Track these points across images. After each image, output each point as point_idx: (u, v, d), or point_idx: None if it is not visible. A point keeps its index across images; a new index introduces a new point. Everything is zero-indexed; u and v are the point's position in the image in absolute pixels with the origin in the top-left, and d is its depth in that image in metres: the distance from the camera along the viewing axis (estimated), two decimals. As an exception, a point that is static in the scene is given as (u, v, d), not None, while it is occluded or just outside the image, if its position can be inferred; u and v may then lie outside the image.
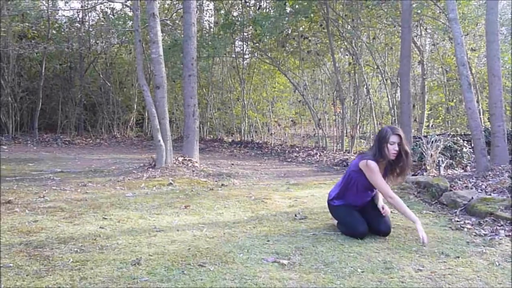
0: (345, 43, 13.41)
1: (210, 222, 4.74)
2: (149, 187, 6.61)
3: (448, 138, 7.93)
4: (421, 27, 13.43)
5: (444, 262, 3.60)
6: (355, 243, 4.01)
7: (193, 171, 7.88)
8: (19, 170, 7.98)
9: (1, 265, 3.35)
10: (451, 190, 5.81)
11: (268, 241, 4.03)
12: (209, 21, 15.76)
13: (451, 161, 7.59)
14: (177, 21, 14.50)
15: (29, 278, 3.10)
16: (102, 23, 15.10)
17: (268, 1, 14.44)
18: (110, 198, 5.85)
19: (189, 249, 3.76)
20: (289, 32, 13.66)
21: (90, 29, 15.43)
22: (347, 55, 14.45)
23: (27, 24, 13.20)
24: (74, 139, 13.91)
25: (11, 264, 3.36)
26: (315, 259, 3.59)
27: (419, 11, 11.98)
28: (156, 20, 7.66)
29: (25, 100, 14.43)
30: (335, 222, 4.54)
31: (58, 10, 15.06)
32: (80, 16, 15.52)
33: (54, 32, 14.83)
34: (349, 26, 13.03)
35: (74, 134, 15.01)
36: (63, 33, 15.16)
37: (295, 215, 4.99)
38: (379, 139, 4.28)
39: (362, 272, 3.33)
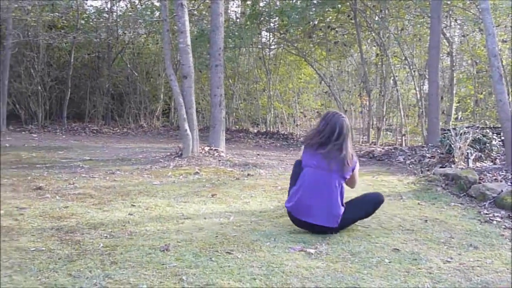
0: (373, 34, 13.28)
1: (236, 210, 4.77)
2: (176, 175, 6.67)
3: (477, 131, 7.82)
4: (451, 18, 13.23)
5: (473, 254, 3.57)
6: (382, 234, 4.01)
7: (219, 160, 7.91)
8: (49, 158, 8.12)
9: (1, 263, 3.42)
10: (480, 183, 5.74)
11: (295, 230, 4.04)
12: (235, 11, 15.77)
13: (480, 153, 7.49)
14: (203, 12, 14.53)
15: (61, 262, 3.17)
16: (130, 13, 15.20)
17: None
18: (138, 186, 5.92)
19: (217, 236, 3.80)
20: (316, 23, 13.58)
21: (118, 19, 15.54)
22: (374, 46, 14.33)
23: (57, 14, 13.35)
24: (102, 128, 14.07)
25: (43, 248, 3.44)
26: (342, 248, 3.60)
27: (449, 2, 11.81)
28: (184, 9, 7.68)
29: (54, 89, 14.63)
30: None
31: (87, 0, 15.20)
32: (108, 6, 15.64)
33: (82, 22, 14.98)
34: (377, 17, 12.90)
35: (102, 123, 15.18)
36: (91, 23, 15.30)
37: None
38: None
39: (389, 262, 3.33)
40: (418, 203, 5.28)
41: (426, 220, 4.51)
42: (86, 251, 3.39)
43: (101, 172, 6.80)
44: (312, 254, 3.45)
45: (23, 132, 12.40)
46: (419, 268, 3.23)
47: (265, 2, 14.05)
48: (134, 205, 4.84)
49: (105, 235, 3.80)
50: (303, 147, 4.19)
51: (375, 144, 12.43)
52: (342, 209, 3.95)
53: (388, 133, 14.56)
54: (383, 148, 10.88)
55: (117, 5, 15.79)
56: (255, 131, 14.91)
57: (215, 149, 8.41)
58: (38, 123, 13.76)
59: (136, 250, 3.44)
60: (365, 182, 6.60)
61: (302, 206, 3.94)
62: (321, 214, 3.90)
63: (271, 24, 14.13)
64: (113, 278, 2.90)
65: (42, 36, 12.94)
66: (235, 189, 5.86)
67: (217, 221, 4.30)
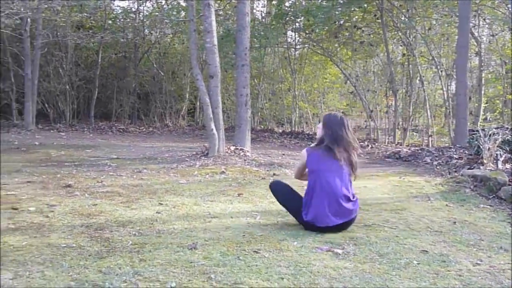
0: (399, 34, 13.16)
1: (263, 210, 4.78)
2: (202, 174, 6.71)
3: (507, 132, 7.69)
4: (479, 17, 13.03)
5: (504, 256, 3.52)
6: (410, 235, 3.97)
7: (244, 160, 7.94)
8: (77, 156, 8.25)
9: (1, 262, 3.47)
10: (510, 185, 5.65)
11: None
12: (261, 11, 15.78)
13: (509, 155, 7.37)
14: (229, 11, 14.57)
15: (91, 258, 3.21)
16: (157, 13, 15.34)
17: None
18: (164, 184, 5.98)
19: (244, 235, 3.81)
20: (342, 22, 13.51)
21: (145, 20, 15.69)
22: (401, 46, 14.19)
23: (85, 14, 13.55)
24: (128, 127, 14.23)
25: (74, 245, 3.49)
26: (369, 249, 3.58)
27: (477, 1, 11.63)
28: (211, 9, 7.73)
29: (82, 88, 14.85)
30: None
31: (114, 0, 15.38)
32: (135, 6, 15.80)
33: (109, 22, 15.18)
34: (404, 17, 12.78)
35: (128, 122, 15.35)
36: (118, 24, 15.49)
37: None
38: None
39: (418, 264, 3.30)
40: (446, 205, 5.22)
41: (454, 222, 4.46)
42: (115, 248, 3.44)
43: (128, 171, 6.87)
44: (339, 254, 3.44)
45: (51, 131, 12.60)
46: (448, 270, 3.19)
47: (290, 2, 14.03)
48: (161, 204, 4.89)
49: (133, 232, 3.84)
50: (305, 153, 4.16)
51: (401, 145, 12.31)
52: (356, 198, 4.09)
53: (414, 133, 14.40)
54: (409, 149, 10.77)
55: (144, 5, 15.94)
56: (280, 131, 14.91)
57: (240, 149, 8.44)
58: (66, 122, 13.98)
59: (164, 248, 3.47)
60: (391, 183, 6.56)
61: (322, 212, 3.93)
62: (345, 210, 3.95)
63: (297, 24, 14.10)
64: (142, 275, 2.93)
65: (70, 36, 13.14)
66: (261, 188, 5.87)
67: (244, 220, 4.32)
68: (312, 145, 4.34)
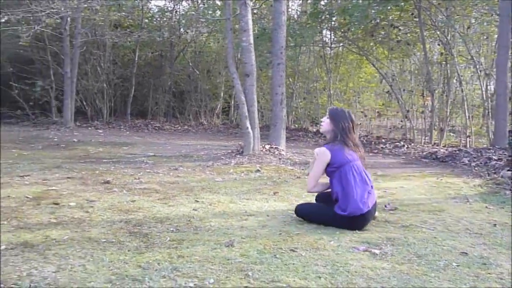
0: (437, 33, 12.94)
1: (299, 209, 4.77)
2: (237, 173, 6.75)
3: (549, 133, 7.50)
4: (521, 16, 12.69)
5: (547, 260, 3.43)
6: (449, 237, 3.91)
7: (279, 158, 7.94)
8: (115, 153, 8.39)
9: None
10: (552, 187, 5.51)
11: (358, 230, 4.01)
12: (297, 10, 15.74)
13: (551, 157, 7.19)
14: (263, 10, 14.59)
15: (130, 253, 3.27)
16: (193, 12, 15.47)
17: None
18: (200, 182, 6.03)
19: (280, 234, 3.82)
20: (378, 21, 13.37)
21: (181, 19, 15.84)
22: (438, 45, 13.95)
23: (123, 13, 13.76)
24: (164, 125, 14.39)
25: (114, 240, 3.55)
26: (407, 250, 3.54)
27: (519, -1, 11.34)
28: (248, 8, 7.76)
29: (119, 87, 15.09)
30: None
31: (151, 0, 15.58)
32: (172, 5, 15.96)
33: (146, 21, 15.38)
34: (442, 15, 12.56)
35: (163, 120, 15.52)
36: (155, 23, 15.68)
37: (385, 206, 4.92)
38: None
39: (457, 266, 3.25)
40: (486, 207, 5.13)
41: (494, 224, 4.37)
42: (153, 244, 3.49)
43: (164, 168, 6.96)
44: (377, 254, 3.41)
45: (89, 128, 12.85)
46: (489, 273, 3.13)
47: (326, 1, 13.96)
48: (197, 201, 4.93)
49: (171, 229, 3.89)
50: (327, 152, 4.08)
51: (437, 145, 12.11)
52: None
53: (451, 134, 14.15)
54: (446, 150, 10.60)
55: (180, 4, 16.09)
56: (314, 130, 14.85)
57: (275, 147, 8.45)
58: (103, 119, 14.22)
59: (201, 244, 3.50)
60: (428, 183, 6.47)
61: (361, 201, 3.98)
62: (373, 197, 4.10)
63: (332, 23, 14.02)
64: (180, 271, 2.96)
65: (108, 34, 13.36)
66: (296, 187, 5.87)
67: (280, 219, 4.32)
68: (326, 143, 4.23)
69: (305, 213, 4.27)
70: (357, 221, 4.00)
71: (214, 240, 3.61)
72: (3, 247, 3.31)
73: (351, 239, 3.76)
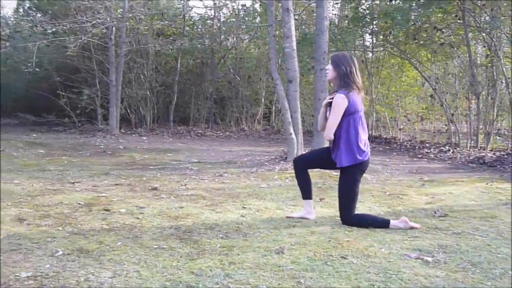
0: (483, 35, 12.67)
1: (346, 215, 4.75)
2: (281, 179, 6.76)
3: None
4: None
5: None
6: (503, 244, 3.82)
7: (323, 165, 7.89)
8: (160, 160, 8.52)
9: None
10: None
11: (409, 237, 3.96)
12: (338, 14, 15.65)
13: None
14: (304, 16, 14.58)
15: (182, 260, 3.31)
16: (233, 19, 15.60)
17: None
18: (246, 188, 6.07)
19: (330, 240, 3.81)
20: (420, 24, 13.18)
21: (222, 26, 15.99)
22: (484, 47, 13.65)
23: (166, 22, 13.98)
24: (206, 132, 14.53)
25: (165, 246, 3.61)
26: (461, 258, 3.48)
27: None
28: (290, 15, 7.78)
29: (161, 94, 15.33)
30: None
31: (192, 8, 15.79)
32: (212, 13, 16.14)
33: (187, 29, 15.59)
34: (488, 16, 12.28)
35: (205, 126, 15.68)
36: (196, 30, 15.87)
37: (434, 212, 4.84)
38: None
39: (514, 274, 3.17)
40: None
41: (550, 231, 4.25)
42: (204, 251, 3.53)
43: (209, 174, 7.03)
44: (429, 262, 3.36)
45: (133, 135, 13.09)
46: (548, 282, 3.05)
47: (367, 5, 13.85)
48: (244, 207, 4.97)
49: (220, 235, 3.93)
50: (345, 98, 4.12)
51: (484, 149, 11.83)
52: None
53: (498, 138, 13.80)
54: (494, 154, 10.34)
55: (221, 11, 16.25)
56: (356, 135, 14.71)
57: (319, 153, 8.41)
58: (146, 126, 14.47)
59: (252, 251, 3.52)
60: (478, 189, 6.34)
61: (364, 150, 4.24)
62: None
63: (374, 27, 13.89)
64: (233, 278, 2.99)
65: (151, 43, 13.60)
66: (342, 193, 5.83)
67: (328, 225, 4.31)
68: (339, 90, 4.24)
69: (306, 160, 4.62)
70: (365, 165, 4.27)
71: (264, 247, 3.63)
72: (60, 253, 3.41)
73: (402, 246, 3.72)
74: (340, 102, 4.11)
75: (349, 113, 4.13)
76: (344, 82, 4.16)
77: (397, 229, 4.20)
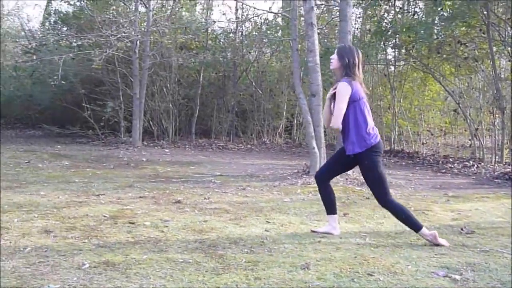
0: (508, 49, 12.54)
1: (371, 231, 4.72)
2: (304, 193, 6.74)
3: None
4: None
5: None
6: (533, 263, 3.75)
7: (346, 179, 7.87)
8: (183, 172, 8.56)
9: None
10: None
11: (436, 254, 3.91)
12: (360, 28, 15.63)
13: None
14: (326, 30, 14.58)
15: (208, 274, 3.32)
16: (255, 33, 15.68)
17: (421, 7, 14.00)
18: (269, 202, 6.06)
19: (355, 257, 3.78)
20: (444, 38, 13.10)
21: (244, 39, 16.08)
22: (509, 60, 13.50)
23: (190, 36, 14.11)
24: (227, 144, 14.56)
25: (190, 260, 3.62)
26: (490, 276, 3.42)
27: None
28: (314, 29, 7.80)
29: (184, 106, 15.43)
30: None
31: (215, 22, 15.89)
32: (234, 26, 16.23)
33: (210, 42, 15.71)
34: (512, 30, 12.16)
35: (227, 139, 15.70)
36: (219, 44, 15.98)
37: (461, 229, 4.78)
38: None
39: (545, 294, 3.11)
40: None
41: None
42: (230, 265, 3.52)
43: (232, 188, 7.04)
44: (458, 280, 3.32)
45: (156, 147, 13.17)
46: None
47: (390, 19, 13.82)
48: (268, 222, 4.96)
49: (245, 250, 3.92)
50: (349, 86, 4.18)
51: (509, 165, 11.65)
52: None
53: (523, 153, 13.57)
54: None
55: (243, 25, 16.34)
56: (379, 149, 14.61)
57: (341, 168, 8.36)
58: (169, 139, 14.55)
59: (277, 267, 3.51)
60: (504, 205, 6.25)
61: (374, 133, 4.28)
62: None
63: (396, 41, 13.84)
64: (259, 294, 2.98)
65: (175, 56, 13.73)
66: (366, 208, 5.80)
67: (353, 241, 4.28)
68: (342, 79, 4.28)
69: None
70: (379, 148, 4.27)
71: (289, 262, 3.62)
72: (86, 265, 3.44)
73: (429, 263, 3.68)
74: (344, 89, 4.16)
75: (354, 100, 4.18)
76: (346, 73, 4.24)
77: (424, 239, 4.21)
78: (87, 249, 3.83)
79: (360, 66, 4.30)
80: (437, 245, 4.15)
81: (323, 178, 4.56)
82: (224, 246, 4.01)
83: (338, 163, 4.55)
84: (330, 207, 4.53)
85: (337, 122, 4.22)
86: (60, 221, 4.73)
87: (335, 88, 4.25)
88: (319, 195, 6.22)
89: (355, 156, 4.24)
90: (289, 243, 4.15)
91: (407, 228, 4.78)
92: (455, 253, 3.96)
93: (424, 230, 4.23)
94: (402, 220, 4.27)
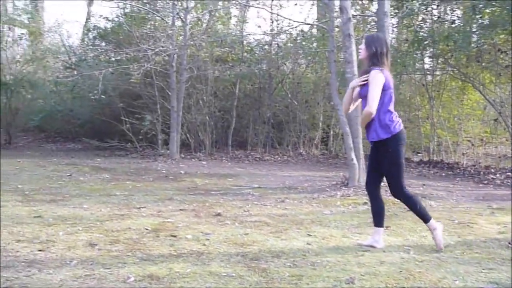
0: (550, 56, 12.23)
1: (414, 244, 4.64)
2: (344, 205, 6.68)
3: None
4: None
5: None
6: None
7: (386, 190, 7.70)
8: (221, 185, 8.59)
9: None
10: None
11: (484, 269, 3.82)
12: (397, 38, 15.49)
13: None
14: (363, 41, 14.48)
15: (252, 288, 3.31)
16: (291, 44, 15.69)
17: (459, 16, 13.80)
18: (309, 214, 6.03)
19: (400, 271, 3.72)
20: (483, 46, 12.86)
21: (279, 51, 16.10)
22: (551, 68, 13.17)
23: (227, 48, 14.23)
24: (263, 156, 14.56)
25: (234, 274, 3.62)
26: (541, 292, 3.32)
27: None
28: (351, 40, 7.76)
29: (220, 118, 15.52)
30: None
31: (250, 34, 16.00)
32: (270, 38, 16.28)
33: (245, 54, 15.80)
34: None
35: (263, 151, 15.70)
36: (254, 55, 16.06)
37: (508, 243, 4.65)
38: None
39: None
40: None
41: None
42: (273, 279, 3.51)
43: (271, 200, 7.03)
44: (508, 296, 3.23)
45: (193, 159, 13.26)
46: None
47: (428, 27, 13.65)
48: (310, 235, 4.93)
49: (288, 264, 3.90)
50: (382, 75, 4.21)
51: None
52: None
53: None
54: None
55: (278, 37, 16.38)
56: (417, 160, 14.40)
57: (381, 179, 8.26)
58: (205, 151, 14.63)
59: (321, 281, 3.48)
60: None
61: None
62: None
63: (435, 49, 13.66)
64: (305, 309, 2.96)
65: (211, 69, 13.85)
66: (408, 221, 5.71)
67: (397, 255, 4.21)
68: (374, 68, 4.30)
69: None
70: (402, 136, 4.37)
71: (333, 276, 3.58)
72: (132, 279, 3.47)
73: (477, 278, 3.59)
74: (379, 76, 4.19)
75: (384, 89, 4.22)
76: (373, 62, 4.29)
77: (431, 229, 4.39)
78: (131, 262, 3.88)
79: (389, 55, 4.35)
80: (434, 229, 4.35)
81: (370, 189, 4.60)
82: (266, 260, 4.00)
83: (372, 165, 4.59)
84: (377, 219, 4.50)
85: (372, 108, 4.19)
86: (104, 234, 4.80)
87: (365, 77, 4.27)
88: (359, 208, 6.20)
89: (379, 143, 4.28)
90: (332, 257, 4.11)
91: (452, 242, 4.71)
92: (504, 268, 3.87)
93: (432, 222, 4.37)
94: (416, 211, 4.38)
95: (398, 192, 4.35)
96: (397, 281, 3.48)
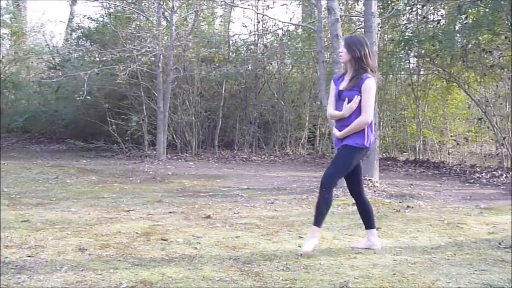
0: (534, 55, 12.36)
1: (406, 246, 4.65)
2: (334, 206, 6.61)
3: None
4: None
5: None
6: None
7: (374, 191, 7.79)
8: (210, 186, 8.55)
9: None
10: None
11: (476, 270, 3.84)
12: (383, 38, 15.55)
13: None
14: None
15: (246, 293, 3.29)
16: (277, 44, 15.70)
17: (443, 15, 13.89)
18: (299, 216, 6.02)
19: (394, 274, 3.72)
20: (468, 46, 12.97)
21: (265, 51, 16.09)
22: (534, 68, 13.31)
23: (213, 49, 14.19)
24: (251, 156, 14.53)
25: (227, 278, 3.60)
26: (534, 293, 3.34)
27: None
28: (340, 41, 7.74)
29: (206, 119, 15.46)
30: None
31: (236, 34, 15.96)
32: (256, 38, 16.26)
33: (231, 54, 15.77)
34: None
35: (249, 151, 15.67)
36: (241, 55, 16.04)
37: (499, 244, 4.68)
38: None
39: None
40: None
41: None
42: (267, 283, 3.49)
43: (261, 202, 7.02)
44: (502, 298, 3.25)
45: (179, 160, 13.19)
46: None
47: (413, 28, 13.73)
48: (301, 237, 4.92)
49: (281, 267, 3.89)
50: (372, 80, 4.20)
51: (538, 174, 11.44)
52: None
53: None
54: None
55: (264, 37, 16.38)
56: (403, 159, 14.48)
57: (369, 179, 8.28)
58: (192, 151, 14.57)
59: (315, 285, 3.47)
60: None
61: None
62: None
63: (420, 49, 13.74)
64: (300, 313, 2.94)
65: (197, 69, 13.80)
66: (398, 222, 5.73)
67: (390, 257, 4.22)
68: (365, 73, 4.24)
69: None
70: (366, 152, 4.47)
71: (327, 280, 3.57)
72: (124, 285, 3.43)
73: (470, 280, 3.61)
74: (373, 85, 4.19)
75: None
76: (359, 65, 4.21)
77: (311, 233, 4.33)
78: (123, 268, 3.83)
79: (371, 55, 4.31)
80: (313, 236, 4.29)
81: (354, 192, 4.68)
82: (259, 263, 3.98)
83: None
84: (368, 222, 4.49)
85: (370, 116, 4.19)
86: (94, 238, 4.74)
87: (353, 84, 4.20)
88: (348, 208, 6.21)
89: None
90: (325, 260, 4.10)
91: (442, 243, 4.73)
92: (496, 269, 3.89)
93: (316, 229, 4.33)
94: (318, 208, 4.39)
95: (328, 181, 4.32)
96: (391, 284, 3.48)
